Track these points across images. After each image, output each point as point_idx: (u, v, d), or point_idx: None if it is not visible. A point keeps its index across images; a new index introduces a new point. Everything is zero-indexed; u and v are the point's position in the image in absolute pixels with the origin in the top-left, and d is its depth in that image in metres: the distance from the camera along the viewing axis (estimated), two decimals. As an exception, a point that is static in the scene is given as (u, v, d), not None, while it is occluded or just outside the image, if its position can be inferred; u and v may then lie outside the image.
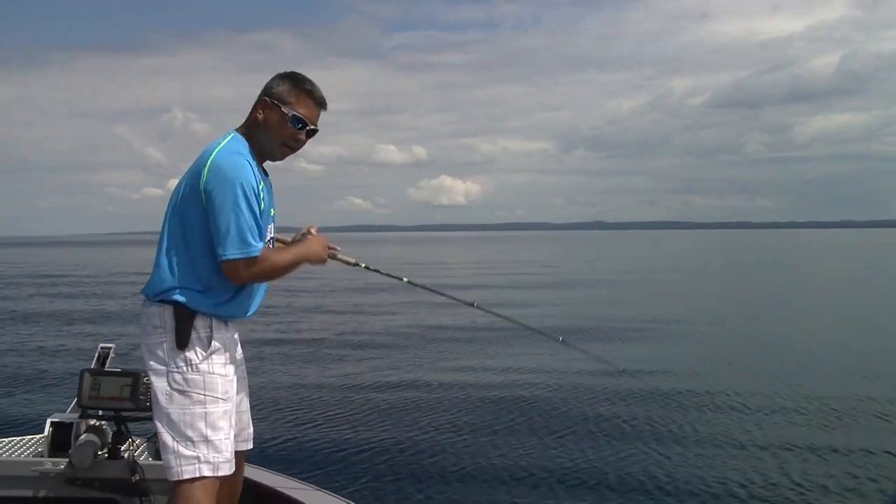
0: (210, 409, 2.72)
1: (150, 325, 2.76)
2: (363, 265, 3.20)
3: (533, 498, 5.51)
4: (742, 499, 5.52)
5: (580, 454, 6.52)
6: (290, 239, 3.07)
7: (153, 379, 2.76)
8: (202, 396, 2.71)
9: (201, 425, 2.69)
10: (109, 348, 3.66)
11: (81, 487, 3.33)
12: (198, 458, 2.67)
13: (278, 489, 3.37)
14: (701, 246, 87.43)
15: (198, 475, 2.66)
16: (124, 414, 3.43)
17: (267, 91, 2.85)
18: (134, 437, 3.50)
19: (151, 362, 2.76)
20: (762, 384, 9.44)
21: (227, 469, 2.73)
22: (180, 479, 2.66)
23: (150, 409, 3.35)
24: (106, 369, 3.53)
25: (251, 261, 2.67)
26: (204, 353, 2.74)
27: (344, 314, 17.39)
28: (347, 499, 3.35)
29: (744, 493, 5.61)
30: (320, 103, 2.90)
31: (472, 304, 3.54)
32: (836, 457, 6.55)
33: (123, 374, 3.42)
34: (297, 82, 2.86)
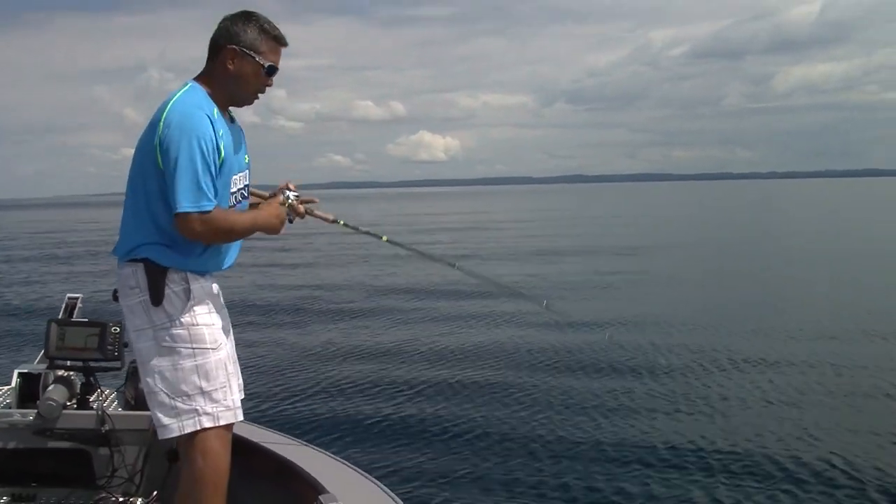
0: (200, 360, 2.69)
1: (126, 287, 2.71)
2: (342, 222, 3.05)
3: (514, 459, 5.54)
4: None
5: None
6: (267, 195, 3.03)
7: (138, 339, 2.72)
8: (191, 349, 2.68)
9: (194, 378, 2.67)
10: (77, 298, 3.59)
11: (51, 438, 3.29)
12: (195, 410, 2.65)
13: (262, 443, 3.31)
14: (688, 199, 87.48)
15: (198, 427, 2.65)
16: (92, 364, 3.38)
17: (234, 38, 2.74)
18: (103, 388, 3.45)
19: (135, 322, 2.71)
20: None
21: (229, 417, 2.72)
22: (182, 433, 2.65)
23: (118, 358, 3.32)
24: (73, 319, 3.48)
25: (204, 216, 2.59)
26: (183, 306, 2.69)
27: (326, 271, 17.17)
28: (332, 453, 3.33)
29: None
30: (285, 45, 2.86)
31: (452, 265, 3.48)
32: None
33: (91, 323, 3.36)
34: (264, 28, 2.78)
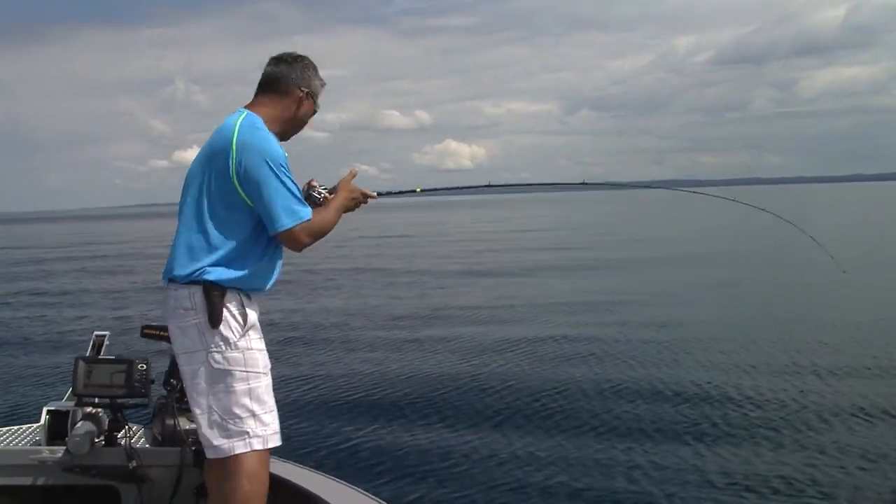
0: (253, 384, 2.79)
1: (180, 308, 2.79)
2: (376, 193, 3.30)
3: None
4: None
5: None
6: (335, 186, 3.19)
7: (188, 361, 2.80)
8: (245, 373, 2.77)
9: (247, 401, 2.76)
10: (104, 335, 3.65)
11: (79, 475, 3.34)
12: (247, 433, 2.75)
13: (285, 477, 3.30)
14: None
15: (249, 450, 2.74)
16: (120, 401, 3.42)
17: (307, 83, 2.96)
18: (130, 424, 3.48)
19: (186, 344, 2.80)
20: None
21: (276, 441, 2.83)
22: (233, 454, 2.73)
23: (144, 395, 3.36)
24: (101, 357, 3.52)
25: (306, 225, 2.77)
26: (240, 330, 2.79)
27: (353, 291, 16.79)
28: (363, 489, 3.31)
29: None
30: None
31: (487, 184, 3.85)
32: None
33: (118, 360, 3.42)
34: (321, 79, 3.03)
